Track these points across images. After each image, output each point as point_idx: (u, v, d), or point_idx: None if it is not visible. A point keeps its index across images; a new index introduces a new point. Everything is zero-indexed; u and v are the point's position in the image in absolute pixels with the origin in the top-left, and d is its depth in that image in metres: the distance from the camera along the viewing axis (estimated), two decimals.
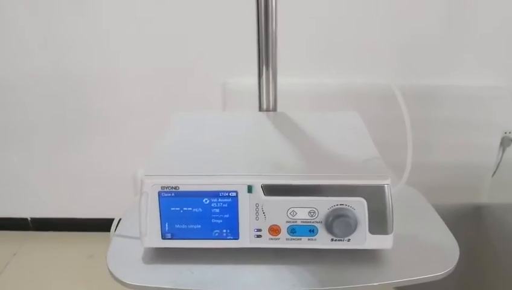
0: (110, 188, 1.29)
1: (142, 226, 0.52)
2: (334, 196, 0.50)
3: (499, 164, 1.26)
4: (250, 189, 0.50)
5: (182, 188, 0.50)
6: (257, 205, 0.51)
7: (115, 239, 0.58)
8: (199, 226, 0.52)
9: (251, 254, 0.53)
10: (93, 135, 1.34)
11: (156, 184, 0.50)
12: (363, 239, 0.51)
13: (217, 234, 0.52)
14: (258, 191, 0.50)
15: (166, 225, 0.52)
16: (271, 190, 0.50)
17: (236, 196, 0.50)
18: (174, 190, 0.50)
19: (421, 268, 0.52)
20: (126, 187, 0.56)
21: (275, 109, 0.72)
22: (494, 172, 1.26)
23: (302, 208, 0.50)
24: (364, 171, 0.52)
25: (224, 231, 0.52)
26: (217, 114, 0.74)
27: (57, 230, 1.52)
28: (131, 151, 1.19)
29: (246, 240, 0.52)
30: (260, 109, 0.72)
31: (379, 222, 0.50)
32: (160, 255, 0.54)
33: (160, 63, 1.22)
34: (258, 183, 0.50)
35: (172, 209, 0.51)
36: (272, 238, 0.52)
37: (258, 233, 0.52)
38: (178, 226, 0.52)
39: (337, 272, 0.52)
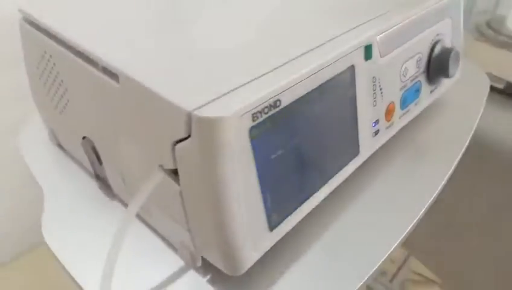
0: None
1: (233, 226, 0.21)
2: (432, 25, 0.32)
3: None
4: (368, 52, 0.26)
5: (285, 100, 0.21)
6: (374, 80, 0.28)
7: None
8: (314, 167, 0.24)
9: None
10: None
11: (245, 110, 0.19)
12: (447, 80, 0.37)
13: (339, 164, 0.26)
14: (375, 51, 0.27)
15: (269, 197, 0.22)
16: (389, 43, 0.28)
17: (353, 71, 0.26)
18: (273, 109, 0.21)
19: None
20: None
21: None
22: None
23: (412, 59, 0.31)
24: None
25: (342, 146, 0.27)
26: None
27: None
28: None
29: (365, 148, 0.29)
30: None
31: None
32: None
33: None
34: (373, 36, 0.26)
35: (272, 157, 0.22)
36: (388, 127, 0.31)
37: (376, 128, 0.29)
38: (287, 188, 0.23)
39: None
